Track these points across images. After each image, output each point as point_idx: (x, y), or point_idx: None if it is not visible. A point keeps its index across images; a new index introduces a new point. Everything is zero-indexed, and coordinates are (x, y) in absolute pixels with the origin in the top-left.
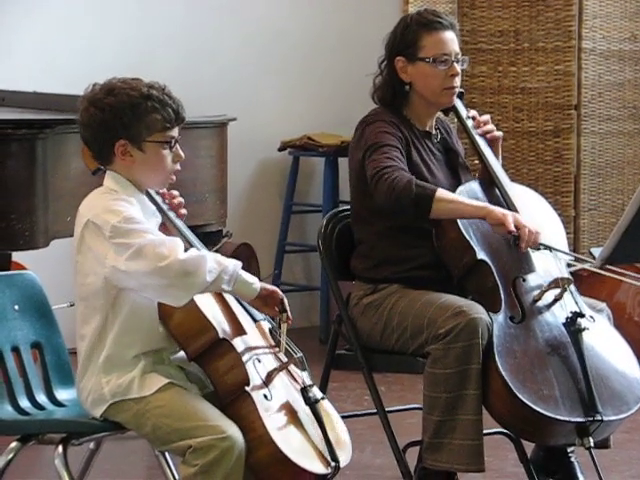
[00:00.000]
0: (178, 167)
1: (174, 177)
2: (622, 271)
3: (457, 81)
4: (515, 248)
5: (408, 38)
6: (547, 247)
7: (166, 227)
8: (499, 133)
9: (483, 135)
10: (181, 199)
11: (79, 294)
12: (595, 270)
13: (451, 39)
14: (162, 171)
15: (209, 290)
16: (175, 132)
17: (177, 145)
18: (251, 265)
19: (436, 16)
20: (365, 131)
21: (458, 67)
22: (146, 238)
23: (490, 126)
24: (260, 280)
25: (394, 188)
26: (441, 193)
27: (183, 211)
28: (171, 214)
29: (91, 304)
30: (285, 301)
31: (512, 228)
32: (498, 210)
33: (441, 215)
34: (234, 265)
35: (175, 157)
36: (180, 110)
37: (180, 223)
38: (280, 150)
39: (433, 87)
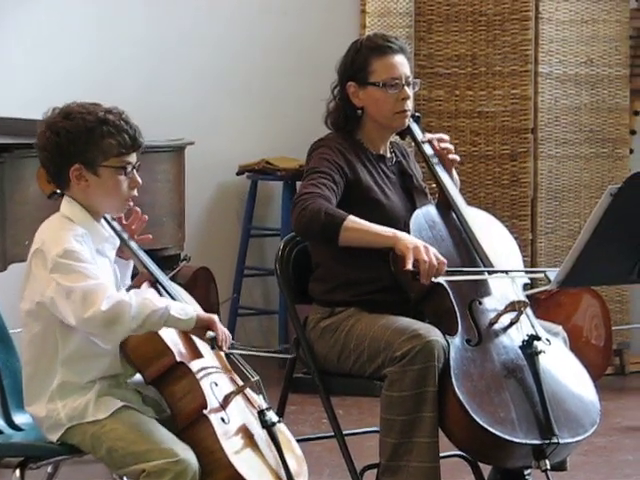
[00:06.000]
0: (135, 193)
1: (131, 203)
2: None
3: (409, 104)
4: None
5: (358, 63)
6: (465, 272)
7: (123, 251)
8: (456, 157)
9: (440, 158)
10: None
11: (22, 320)
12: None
13: (401, 63)
14: (117, 196)
15: (137, 333)
16: (132, 158)
17: (134, 171)
18: (209, 289)
19: (386, 40)
20: (311, 156)
21: (409, 90)
22: (77, 285)
23: (449, 145)
24: (219, 304)
25: (304, 215)
26: (349, 222)
27: (149, 236)
28: (128, 239)
29: (31, 330)
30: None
31: (409, 266)
32: (404, 242)
33: (349, 243)
34: (165, 308)
35: (131, 183)
36: (137, 136)
37: (137, 248)
38: (238, 174)
39: (384, 111)
